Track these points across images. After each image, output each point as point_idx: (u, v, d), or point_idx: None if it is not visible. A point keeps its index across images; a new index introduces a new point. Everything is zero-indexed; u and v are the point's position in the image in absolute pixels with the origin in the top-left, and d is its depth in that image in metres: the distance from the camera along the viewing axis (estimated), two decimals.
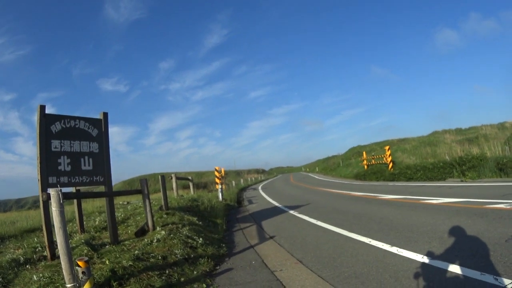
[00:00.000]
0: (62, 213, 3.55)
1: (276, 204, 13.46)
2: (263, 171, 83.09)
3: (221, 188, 15.65)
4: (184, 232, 5.79)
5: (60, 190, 3.63)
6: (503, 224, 5.36)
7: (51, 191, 3.63)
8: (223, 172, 24.69)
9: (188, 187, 18.21)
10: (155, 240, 5.08)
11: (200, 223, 7.27)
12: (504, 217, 5.85)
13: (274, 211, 11.15)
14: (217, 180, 22.74)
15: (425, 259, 4.17)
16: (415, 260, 4.23)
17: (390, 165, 21.36)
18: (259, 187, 28.12)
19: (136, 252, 4.46)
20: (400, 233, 5.75)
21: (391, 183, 16.88)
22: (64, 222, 3.53)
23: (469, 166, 14.56)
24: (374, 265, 4.28)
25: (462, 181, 13.55)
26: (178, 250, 4.82)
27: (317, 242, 6.03)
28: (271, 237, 6.92)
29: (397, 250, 4.74)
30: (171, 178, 13.79)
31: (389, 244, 5.07)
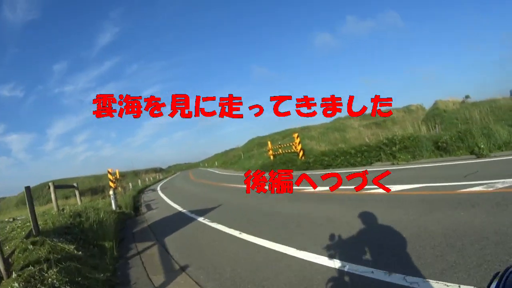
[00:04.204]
0: None
1: (180, 208, 11.76)
2: (161, 170, 79.87)
3: (114, 194, 13.27)
4: (50, 280, 4.02)
5: None
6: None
7: None
8: (117, 174, 21.96)
9: (84, 195, 15.35)
10: None
11: (80, 253, 5.38)
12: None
13: (178, 219, 9.53)
14: (111, 184, 20.02)
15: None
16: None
17: (301, 153, 19.86)
18: (158, 188, 25.58)
19: None
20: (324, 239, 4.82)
21: (308, 172, 14.82)
22: None
23: (400, 147, 13.38)
24: None
25: (393, 164, 12.61)
26: None
27: (255, 274, 4.26)
28: (182, 268, 5.09)
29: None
30: (49, 188, 11.15)
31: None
